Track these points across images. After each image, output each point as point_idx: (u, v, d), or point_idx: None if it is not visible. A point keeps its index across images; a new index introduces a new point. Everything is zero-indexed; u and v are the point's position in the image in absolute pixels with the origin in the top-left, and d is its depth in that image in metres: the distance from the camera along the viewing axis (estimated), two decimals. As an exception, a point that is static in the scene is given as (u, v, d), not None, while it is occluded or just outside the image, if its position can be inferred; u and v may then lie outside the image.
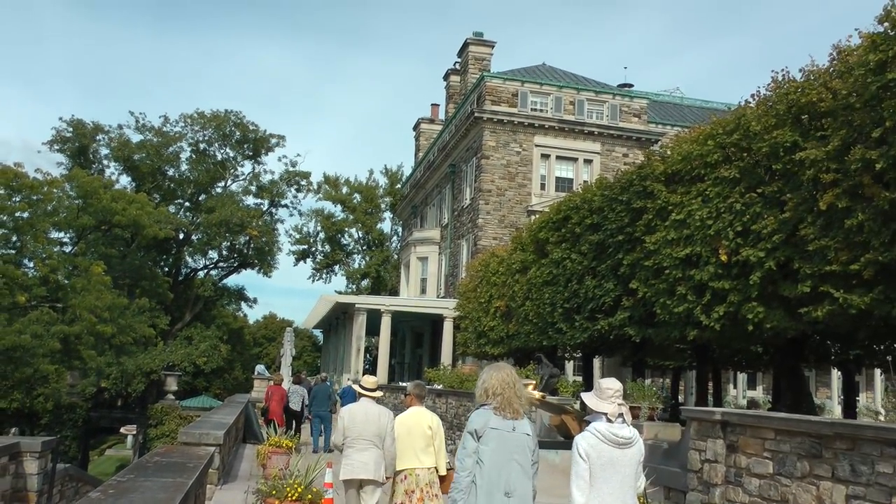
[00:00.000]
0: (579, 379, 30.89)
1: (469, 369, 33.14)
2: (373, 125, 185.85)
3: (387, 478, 10.55)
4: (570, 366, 39.66)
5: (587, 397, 6.32)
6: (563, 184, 44.99)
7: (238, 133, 69.15)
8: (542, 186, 45.16)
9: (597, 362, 33.81)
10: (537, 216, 31.90)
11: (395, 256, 75.40)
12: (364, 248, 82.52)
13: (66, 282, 44.28)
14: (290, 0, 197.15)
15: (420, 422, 9.95)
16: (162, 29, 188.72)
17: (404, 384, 41.08)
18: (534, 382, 15.35)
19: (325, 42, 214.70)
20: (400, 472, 10.06)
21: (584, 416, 7.25)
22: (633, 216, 20.14)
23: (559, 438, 14.56)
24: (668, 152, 19.65)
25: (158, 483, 7.68)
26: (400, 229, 74.20)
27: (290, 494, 9.88)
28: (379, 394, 11.05)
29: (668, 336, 18.99)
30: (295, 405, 26.20)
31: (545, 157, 45.37)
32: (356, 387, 11.24)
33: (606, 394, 6.17)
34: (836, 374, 42.48)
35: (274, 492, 9.97)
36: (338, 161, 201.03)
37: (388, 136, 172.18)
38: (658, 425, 16.86)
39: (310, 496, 9.99)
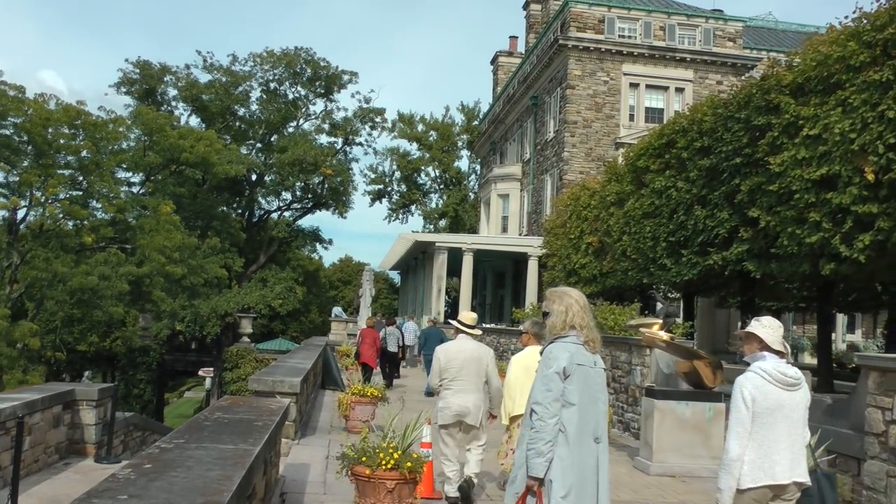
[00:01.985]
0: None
1: (559, 309, 31.18)
2: (448, 62, 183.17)
3: (492, 416, 9.99)
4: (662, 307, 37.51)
5: (761, 331, 5.75)
6: (653, 114, 42.64)
7: (309, 71, 67.11)
8: (631, 117, 42.83)
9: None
10: (630, 146, 29.85)
11: (474, 195, 73.57)
12: (441, 187, 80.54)
13: (133, 222, 43.14)
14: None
15: (537, 362, 8.46)
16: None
17: (487, 326, 39.76)
18: (659, 322, 13.32)
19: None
20: (518, 417, 9.49)
21: (743, 358, 6.30)
22: (753, 135, 17.81)
23: (684, 387, 12.51)
24: (797, 60, 17.26)
25: (213, 452, 5.80)
26: (478, 167, 72.22)
27: (383, 462, 8.02)
28: (479, 331, 10.27)
29: (795, 271, 16.73)
30: (392, 347, 26.08)
31: (634, 86, 42.94)
32: (454, 323, 10.24)
33: (778, 331, 5.71)
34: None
35: (364, 458, 8.11)
36: (412, 100, 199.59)
37: (464, 73, 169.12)
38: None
39: (409, 464, 8.10)
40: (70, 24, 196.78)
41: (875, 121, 13.93)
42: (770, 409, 5.55)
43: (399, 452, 8.11)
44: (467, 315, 10.26)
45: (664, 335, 12.33)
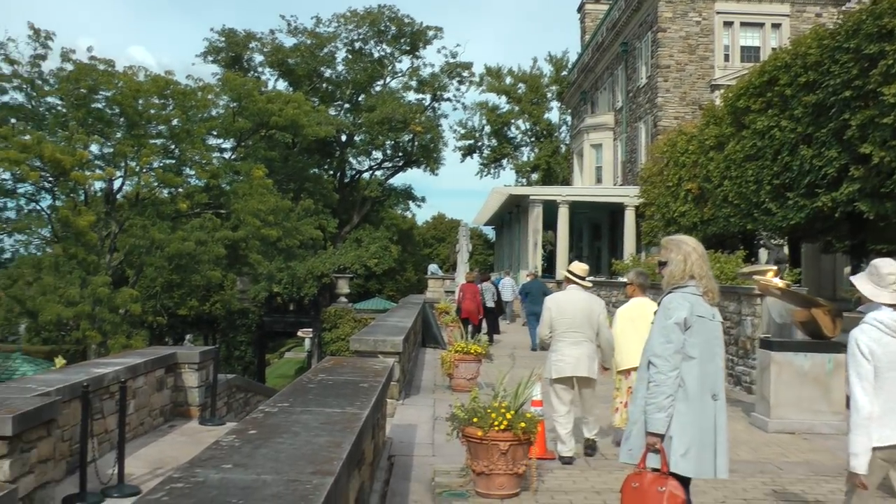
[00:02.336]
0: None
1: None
2: (534, 12, 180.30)
3: (604, 369, 9.85)
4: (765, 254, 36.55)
5: (861, 282, 5.43)
6: (748, 53, 41.07)
7: (393, 28, 66.68)
8: (726, 58, 41.33)
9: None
10: (727, 88, 28.72)
11: (565, 147, 72.59)
12: (532, 139, 79.73)
13: (227, 187, 43.44)
14: None
15: (645, 313, 8.67)
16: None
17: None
18: (774, 268, 12.62)
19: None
20: (625, 371, 9.53)
21: (858, 308, 5.92)
22: (863, 66, 16.80)
23: (800, 337, 11.80)
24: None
25: (320, 417, 5.53)
26: (569, 118, 71.06)
27: (496, 423, 7.60)
28: (589, 283, 10.04)
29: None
30: (489, 302, 25.94)
31: (727, 24, 41.39)
32: (564, 272, 10.16)
33: (887, 280, 5.30)
34: None
35: (475, 419, 7.71)
36: (499, 53, 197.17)
37: (551, 23, 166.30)
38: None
39: (522, 424, 7.67)
40: (157, 1, 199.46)
41: None
42: (891, 362, 5.21)
43: (512, 413, 7.75)
44: (578, 266, 10.01)
45: (780, 282, 11.68)
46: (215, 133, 46.44)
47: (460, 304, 23.76)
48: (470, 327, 22.36)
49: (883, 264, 5.40)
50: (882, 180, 16.32)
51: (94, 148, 38.63)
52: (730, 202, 23.98)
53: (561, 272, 10.73)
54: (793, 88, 19.86)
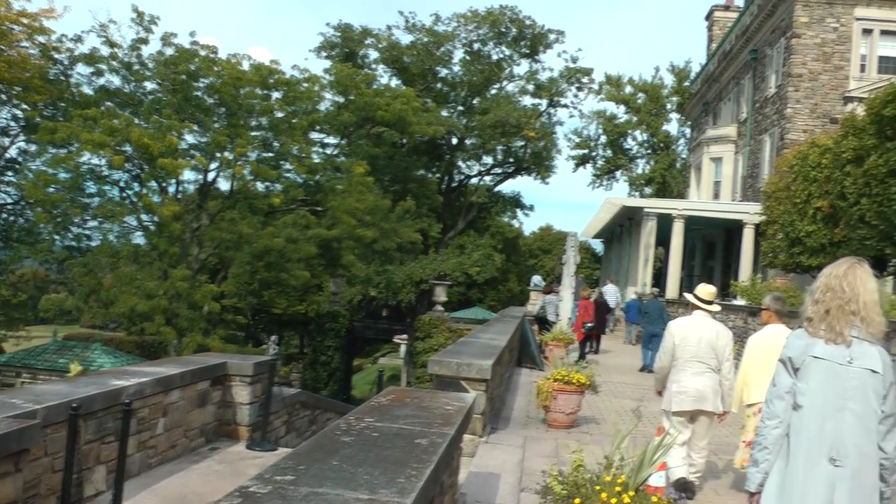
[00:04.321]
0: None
1: (781, 283, 27.91)
2: (658, 20, 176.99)
3: (723, 412, 8.99)
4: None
5: None
6: (887, 64, 38.15)
7: (514, 30, 64.86)
8: (862, 68, 38.44)
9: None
10: (861, 100, 26.21)
11: (682, 160, 70.03)
12: (648, 151, 77.31)
13: (325, 183, 42.00)
14: None
15: (781, 343, 6.53)
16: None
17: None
18: None
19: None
20: (754, 405, 8.61)
21: None
22: None
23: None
24: None
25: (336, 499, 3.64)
26: (688, 130, 68.45)
27: (606, 501, 5.50)
28: (717, 308, 9.42)
29: None
30: (551, 316, 25.61)
31: (867, 32, 38.49)
32: (690, 297, 9.50)
33: None
34: None
35: (578, 501, 5.60)
36: (621, 61, 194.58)
37: (676, 32, 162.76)
38: None
39: (641, 504, 5.56)
40: (278, 2, 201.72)
41: None
42: None
43: (631, 494, 5.62)
44: (705, 289, 9.35)
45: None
46: (318, 128, 45.08)
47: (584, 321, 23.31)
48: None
49: None
50: None
51: (189, 137, 37.59)
52: (866, 222, 21.58)
53: (686, 295, 9.20)
54: (954, 93, 17.43)
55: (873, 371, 4.53)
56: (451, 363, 10.80)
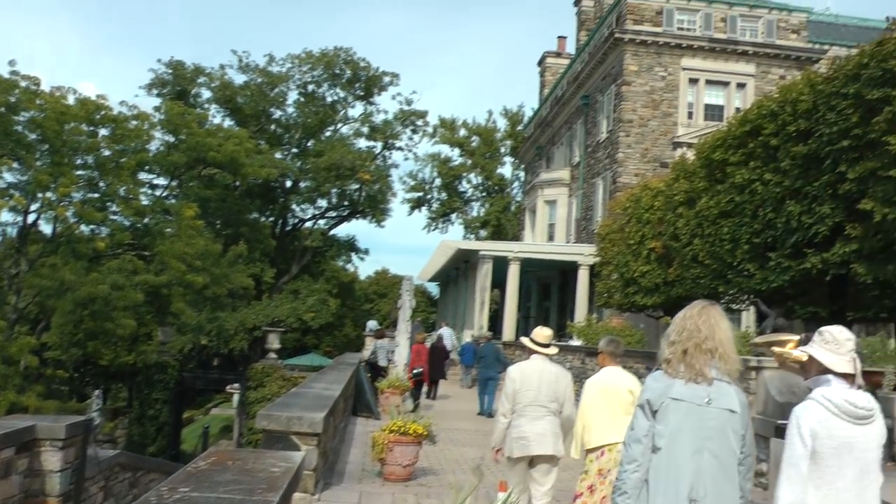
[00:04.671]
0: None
1: (617, 322, 28.37)
2: (492, 65, 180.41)
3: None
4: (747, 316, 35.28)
5: (817, 352, 4.62)
6: (712, 111, 40.07)
7: (349, 72, 65.01)
8: (690, 115, 40.16)
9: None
10: (687, 146, 27.11)
11: (517, 203, 71.16)
12: (483, 194, 78.46)
13: (153, 226, 40.40)
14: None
15: (618, 385, 8.18)
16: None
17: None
18: (795, 338, 10.58)
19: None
20: (595, 449, 8.29)
21: (805, 382, 4.90)
22: (865, 112, 14.97)
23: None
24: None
25: None
26: (522, 174, 69.72)
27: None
28: (555, 350, 9.35)
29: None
30: (382, 361, 25.23)
31: (693, 81, 40.21)
32: (526, 341, 9.24)
33: (846, 346, 4.54)
34: None
35: None
36: (455, 105, 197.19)
37: (510, 77, 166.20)
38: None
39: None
40: (110, 37, 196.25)
41: None
42: (837, 448, 4.41)
43: None
44: (541, 332, 9.19)
45: (799, 355, 9.62)
46: (148, 168, 43.43)
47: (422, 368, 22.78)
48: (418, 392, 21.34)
49: (837, 330, 4.69)
50: (885, 239, 14.44)
51: (8, 175, 35.59)
52: (699, 262, 22.05)
53: (523, 340, 9.04)
54: (780, 138, 17.95)
55: (731, 411, 4.60)
56: (281, 417, 10.10)
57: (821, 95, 16.48)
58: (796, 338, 10.53)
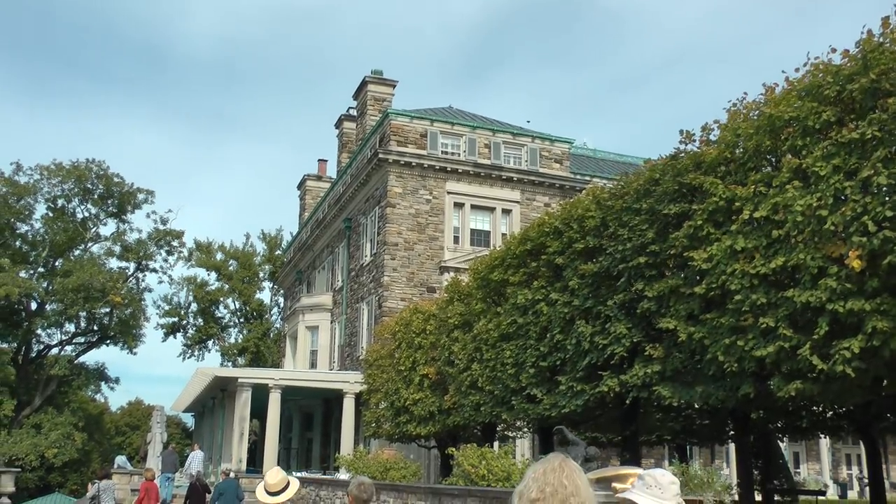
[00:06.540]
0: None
1: (389, 454, 26.66)
2: (249, 186, 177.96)
3: None
4: (522, 444, 34.33)
5: (640, 498, 4.19)
6: (479, 236, 39.82)
7: (101, 187, 61.90)
8: (456, 240, 39.59)
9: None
10: (455, 271, 26.34)
11: (277, 329, 68.92)
12: (241, 320, 75.88)
13: None
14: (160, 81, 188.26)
15: None
16: (33, 106, 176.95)
17: (298, 475, 34.94)
18: (636, 472, 9.22)
19: (197, 118, 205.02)
20: None
21: None
22: (661, 228, 14.32)
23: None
24: (713, 134, 14.02)
25: None
26: (282, 299, 67.76)
27: None
28: (292, 492, 8.39)
29: (734, 396, 13.03)
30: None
31: (459, 205, 39.85)
32: (259, 493, 8.31)
33: (671, 490, 4.20)
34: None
35: None
36: (213, 228, 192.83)
37: (268, 200, 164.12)
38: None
39: None
40: None
41: (857, 191, 10.61)
42: None
43: None
44: (274, 475, 8.33)
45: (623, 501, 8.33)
46: None
47: None
48: None
49: (660, 474, 4.33)
50: (689, 361, 13.63)
51: None
52: (479, 388, 20.88)
53: (257, 494, 7.43)
54: (566, 256, 17.18)
55: None
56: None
57: (610, 212, 15.85)
58: (637, 471, 9.27)
